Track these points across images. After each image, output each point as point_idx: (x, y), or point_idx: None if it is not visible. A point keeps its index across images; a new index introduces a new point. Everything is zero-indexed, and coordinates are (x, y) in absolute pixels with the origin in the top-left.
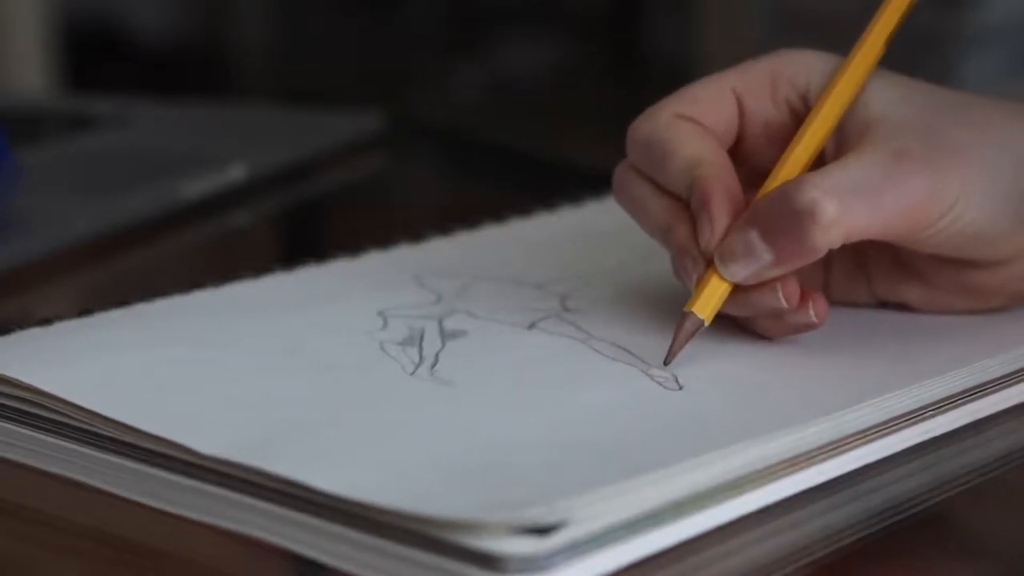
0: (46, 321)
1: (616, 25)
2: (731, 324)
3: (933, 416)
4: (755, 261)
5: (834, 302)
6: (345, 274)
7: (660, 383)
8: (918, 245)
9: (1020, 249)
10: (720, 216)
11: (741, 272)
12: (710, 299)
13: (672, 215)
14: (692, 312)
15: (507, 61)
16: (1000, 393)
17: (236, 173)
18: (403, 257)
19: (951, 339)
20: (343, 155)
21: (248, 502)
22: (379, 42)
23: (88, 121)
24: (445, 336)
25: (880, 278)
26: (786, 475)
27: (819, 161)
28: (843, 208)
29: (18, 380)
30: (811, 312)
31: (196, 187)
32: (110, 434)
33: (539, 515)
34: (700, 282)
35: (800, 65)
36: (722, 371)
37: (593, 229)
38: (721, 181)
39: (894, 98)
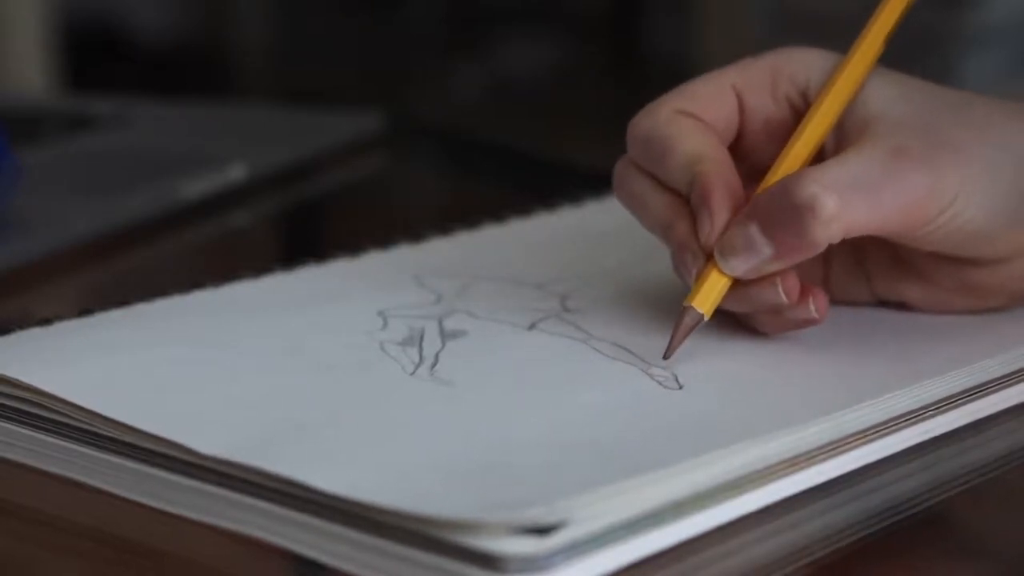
0: (46, 321)
1: (616, 25)
2: (731, 323)
3: (933, 416)
4: (755, 255)
5: (834, 301)
6: (345, 274)
7: (660, 383)
8: (917, 242)
9: (1019, 248)
10: (720, 211)
11: (741, 266)
12: (710, 293)
13: (672, 211)
14: (692, 306)
15: (507, 61)
16: (1000, 393)
17: (236, 173)
18: (403, 257)
19: (951, 339)
20: (343, 155)
21: (248, 502)
22: (379, 42)
23: (88, 121)
24: (445, 336)
25: (880, 276)
26: (786, 475)
27: (818, 158)
28: (843, 203)
29: (18, 380)
30: (811, 307)
31: (196, 187)
32: (110, 434)
33: (539, 515)
34: (700, 277)
35: (800, 62)
36: (722, 370)
37: (593, 229)
38: (721, 177)
39: (893, 96)
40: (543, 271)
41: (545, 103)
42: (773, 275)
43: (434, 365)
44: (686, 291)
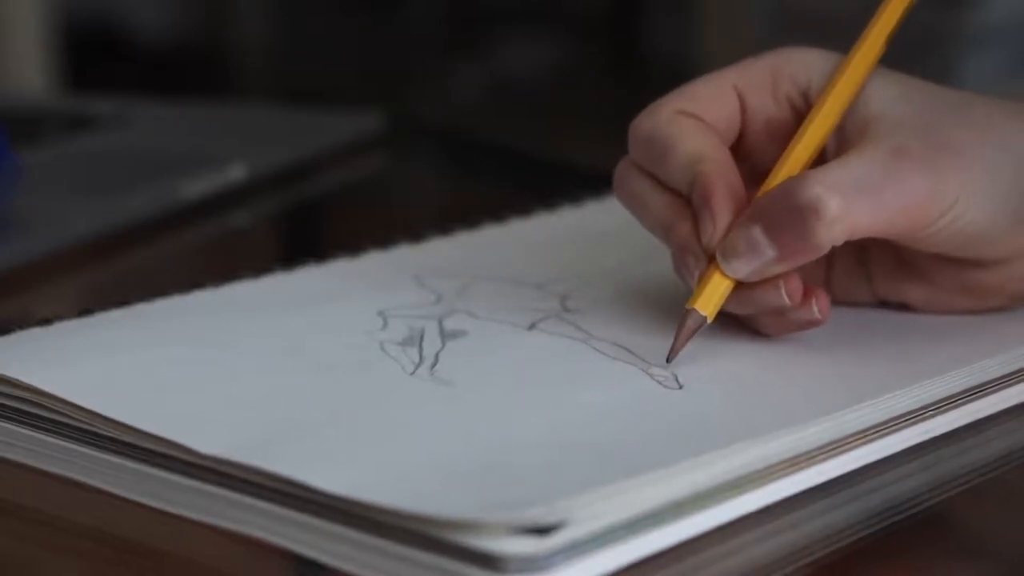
0: (46, 321)
1: (616, 25)
2: (731, 323)
3: (933, 416)
4: (758, 257)
5: (835, 301)
6: (345, 274)
7: (660, 382)
8: (919, 244)
9: (1020, 249)
10: (722, 212)
11: (744, 268)
12: (712, 296)
13: (673, 212)
14: (694, 309)
15: (507, 61)
16: (1000, 393)
17: (236, 173)
18: (403, 257)
19: (951, 339)
20: (343, 155)
21: (248, 502)
22: (379, 42)
23: (88, 121)
24: (445, 336)
25: (881, 277)
26: (786, 475)
27: (820, 158)
28: (846, 205)
29: (18, 380)
30: (814, 308)
31: (196, 187)
32: (110, 434)
33: (539, 515)
34: (702, 279)
35: (801, 62)
36: (722, 370)
37: (593, 229)
38: (723, 177)
39: (894, 96)
40: (543, 271)
41: (545, 103)
42: (776, 277)
43: (434, 365)
44: (686, 291)
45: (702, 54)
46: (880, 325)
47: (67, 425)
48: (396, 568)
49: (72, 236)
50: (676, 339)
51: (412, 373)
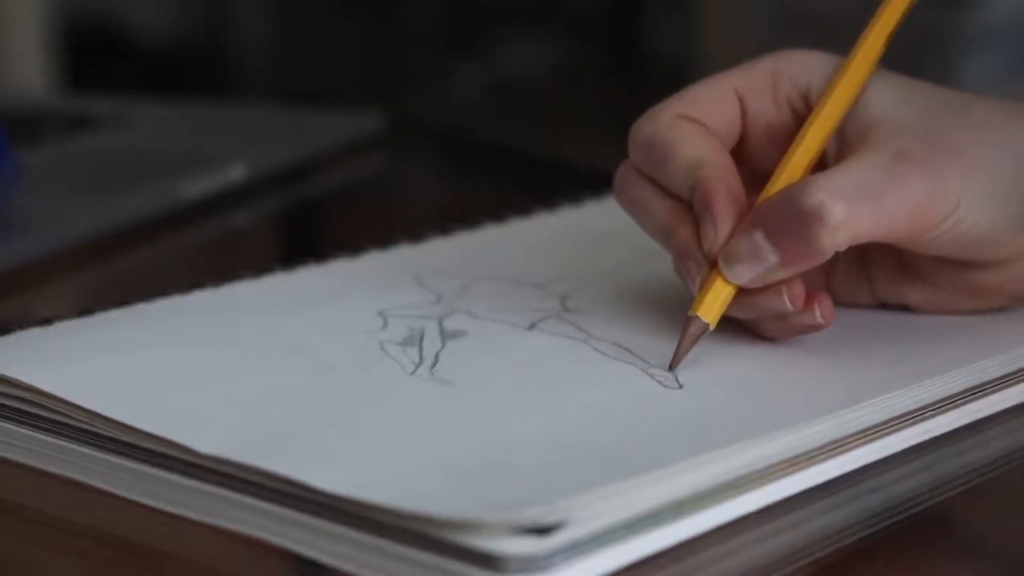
0: (46, 321)
1: (616, 25)
2: (732, 324)
3: (933, 416)
4: (760, 263)
5: (835, 303)
6: (345, 274)
7: (660, 382)
8: (922, 248)
9: (1021, 250)
10: (724, 218)
11: (746, 275)
12: (714, 302)
13: (674, 216)
14: (697, 316)
15: (507, 61)
16: (1000, 393)
17: (236, 173)
18: (403, 257)
19: (951, 339)
20: (343, 155)
21: (248, 502)
22: (379, 42)
23: (88, 121)
24: (445, 336)
25: (882, 279)
26: (786, 475)
27: (820, 162)
28: (849, 211)
29: (18, 380)
30: (817, 313)
31: (196, 187)
32: (110, 434)
33: (539, 515)
34: (704, 285)
35: (801, 65)
36: (722, 371)
37: (593, 229)
38: (724, 182)
39: (894, 98)
40: (543, 271)
41: (545, 103)
42: (778, 283)
43: (434, 365)
44: (686, 291)
45: (702, 54)
46: (880, 326)
47: (67, 425)
48: (396, 568)
49: (72, 236)
50: (679, 346)
51: (412, 373)
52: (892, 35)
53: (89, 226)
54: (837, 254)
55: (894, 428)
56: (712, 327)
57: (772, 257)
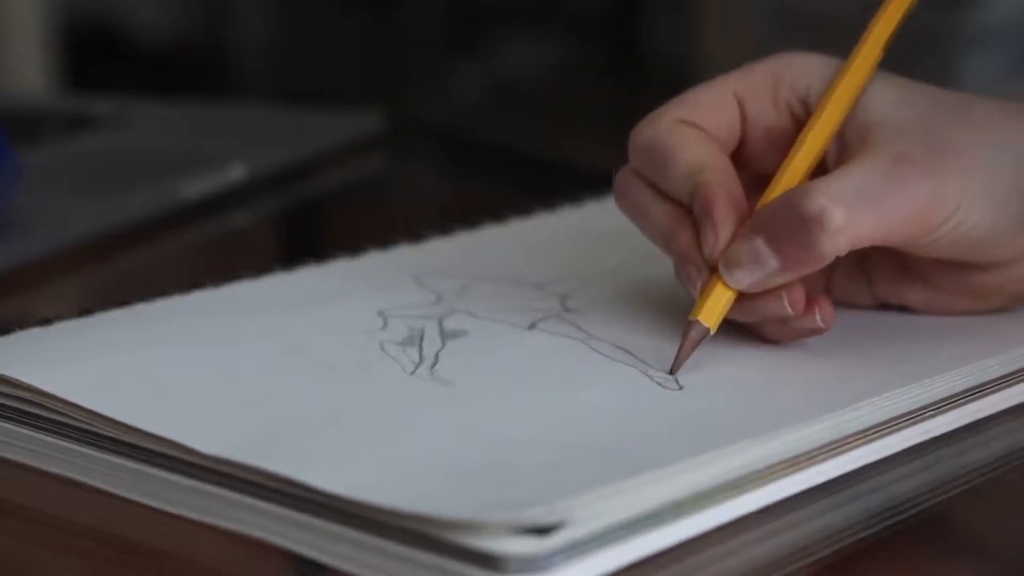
0: (46, 321)
1: (616, 25)
2: (732, 326)
3: (933, 416)
4: (761, 268)
5: (835, 304)
6: (345, 274)
7: (660, 383)
8: (922, 250)
9: (1021, 251)
10: (724, 223)
11: (746, 279)
12: (715, 307)
13: (674, 221)
14: (697, 321)
15: (507, 61)
16: (1000, 393)
17: (236, 173)
18: (403, 257)
19: (951, 339)
20: (343, 155)
21: (248, 502)
22: (379, 42)
23: (88, 121)
24: (445, 336)
25: (882, 281)
26: (786, 475)
27: (820, 165)
28: (850, 215)
29: (18, 380)
30: (817, 317)
31: (196, 187)
32: (110, 434)
33: (539, 515)
34: (704, 290)
35: (800, 68)
36: (722, 371)
37: (593, 229)
38: (724, 187)
39: (894, 100)
40: (543, 271)
41: (545, 103)
42: (778, 287)
43: (434, 365)
44: (686, 293)
45: (702, 54)
46: (880, 326)
47: (67, 425)
48: (396, 568)
49: (72, 236)
50: (680, 351)
51: (412, 373)
52: (891, 38)
53: (89, 226)
54: (837, 257)
55: (894, 428)
56: (713, 332)
57: (772, 262)
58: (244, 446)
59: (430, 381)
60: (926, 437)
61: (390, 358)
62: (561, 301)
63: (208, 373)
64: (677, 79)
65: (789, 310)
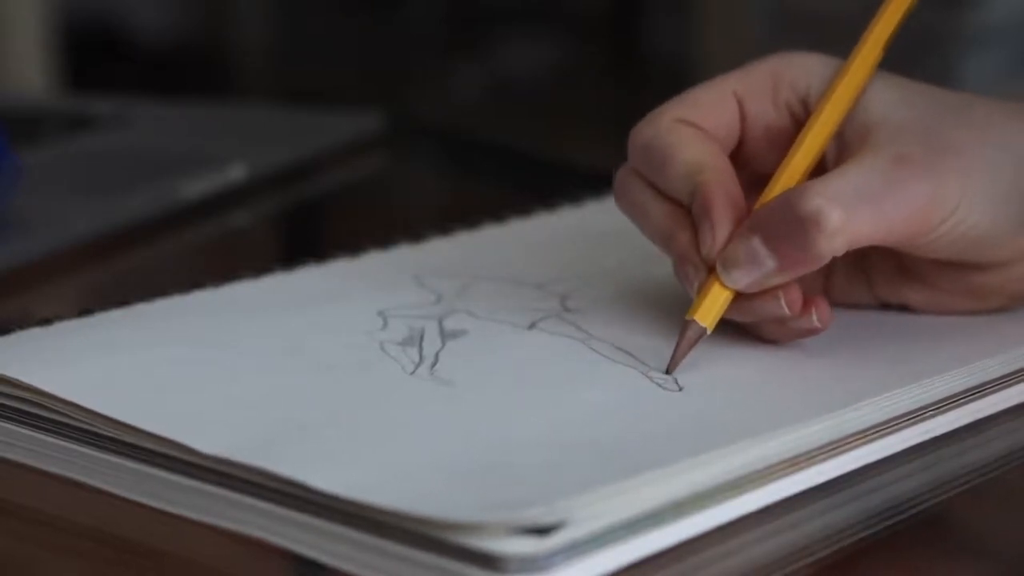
0: (46, 321)
1: (616, 25)
2: (731, 326)
3: (933, 416)
4: (758, 269)
5: (835, 303)
6: (345, 274)
7: (660, 384)
8: (920, 250)
9: (1020, 251)
10: (722, 223)
11: (743, 280)
12: (712, 307)
13: (673, 221)
14: (694, 320)
15: (507, 61)
16: (1000, 393)
17: (236, 173)
18: (403, 257)
19: (951, 339)
20: (343, 155)
21: (248, 502)
22: (379, 42)
23: (88, 121)
24: (445, 336)
25: (881, 281)
26: (786, 475)
27: (820, 165)
28: (847, 216)
29: (18, 380)
30: (814, 318)
31: (196, 187)
32: (110, 434)
33: (539, 515)
34: (702, 289)
35: (800, 68)
36: (722, 372)
37: (593, 229)
38: (723, 187)
39: (894, 100)
40: (543, 271)
41: (545, 103)
42: (776, 287)
43: (434, 365)
44: (686, 293)
45: (702, 54)
46: (880, 326)
47: (67, 425)
48: (396, 568)
49: (72, 236)
50: (676, 350)
51: (412, 373)
52: (891, 38)
53: (89, 226)
54: (836, 257)
55: (894, 428)
56: (709, 331)
57: (770, 262)
58: (244, 446)
59: (430, 381)
60: (926, 437)
61: (390, 358)
62: (561, 301)
63: (208, 373)
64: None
65: (786, 310)
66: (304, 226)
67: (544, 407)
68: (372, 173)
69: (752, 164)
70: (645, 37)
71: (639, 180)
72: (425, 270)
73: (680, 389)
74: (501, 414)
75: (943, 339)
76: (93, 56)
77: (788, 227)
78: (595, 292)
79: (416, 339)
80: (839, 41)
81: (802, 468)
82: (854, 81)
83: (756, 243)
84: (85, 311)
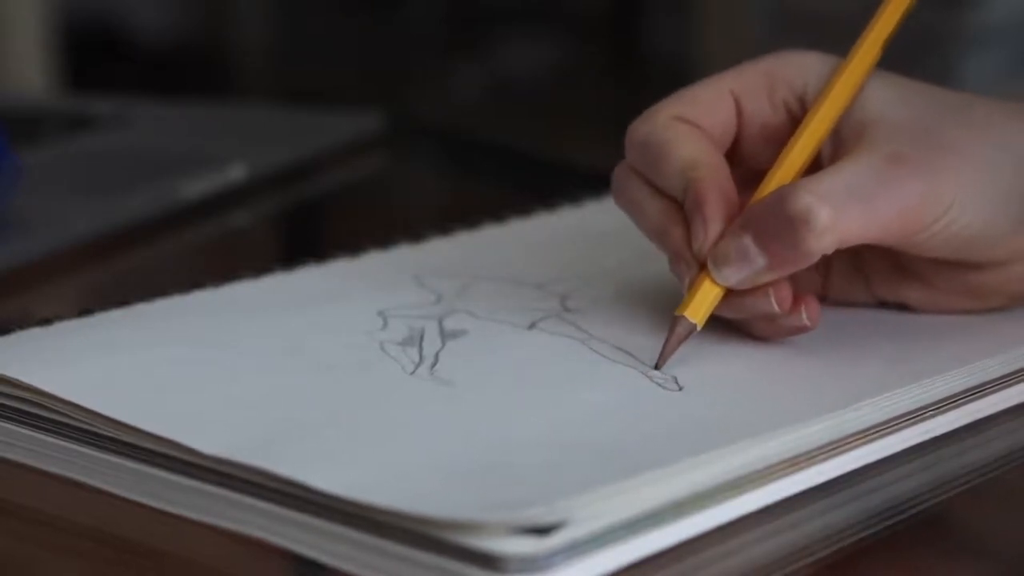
0: (46, 321)
1: (616, 25)
2: (730, 325)
3: (933, 416)
4: (748, 266)
5: (833, 302)
6: (345, 274)
7: (660, 384)
8: (914, 249)
9: (1019, 250)
10: (714, 220)
11: (734, 276)
12: (702, 303)
13: (668, 217)
14: (684, 316)
15: (507, 61)
16: (1000, 393)
17: (236, 173)
18: (403, 257)
19: (951, 339)
20: (343, 155)
21: (248, 502)
22: (379, 42)
23: (88, 121)
24: (445, 336)
25: (879, 279)
26: (786, 475)
27: (815, 163)
28: (837, 214)
29: (18, 380)
30: (803, 316)
31: (196, 187)
32: (110, 434)
33: (539, 515)
34: (692, 286)
35: (797, 67)
36: (722, 372)
37: (593, 229)
38: (716, 184)
39: (891, 99)
40: (543, 271)
41: (545, 103)
42: (766, 285)
43: (434, 365)
44: (684, 294)
45: (702, 54)
46: (879, 325)
47: (67, 425)
48: (396, 568)
49: (72, 236)
50: (665, 345)
51: (412, 373)
52: (890, 38)
53: (89, 226)
54: (832, 255)
55: (894, 428)
56: (699, 327)
57: (759, 260)
58: (244, 446)
59: (430, 381)
60: (926, 437)
61: (390, 358)
62: (561, 301)
63: (208, 373)
64: (677, 79)
65: (776, 308)
66: (304, 226)
67: (544, 407)
68: (372, 173)
69: (748, 162)
70: (645, 37)
71: (636, 177)
72: (425, 270)
73: (680, 389)
74: (501, 414)
75: (943, 339)
76: (93, 56)
77: (778, 225)
78: (595, 292)
79: (416, 339)
80: (839, 41)
81: (802, 468)
82: (851, 79)
83: (747, 240)
84: (85, 311)
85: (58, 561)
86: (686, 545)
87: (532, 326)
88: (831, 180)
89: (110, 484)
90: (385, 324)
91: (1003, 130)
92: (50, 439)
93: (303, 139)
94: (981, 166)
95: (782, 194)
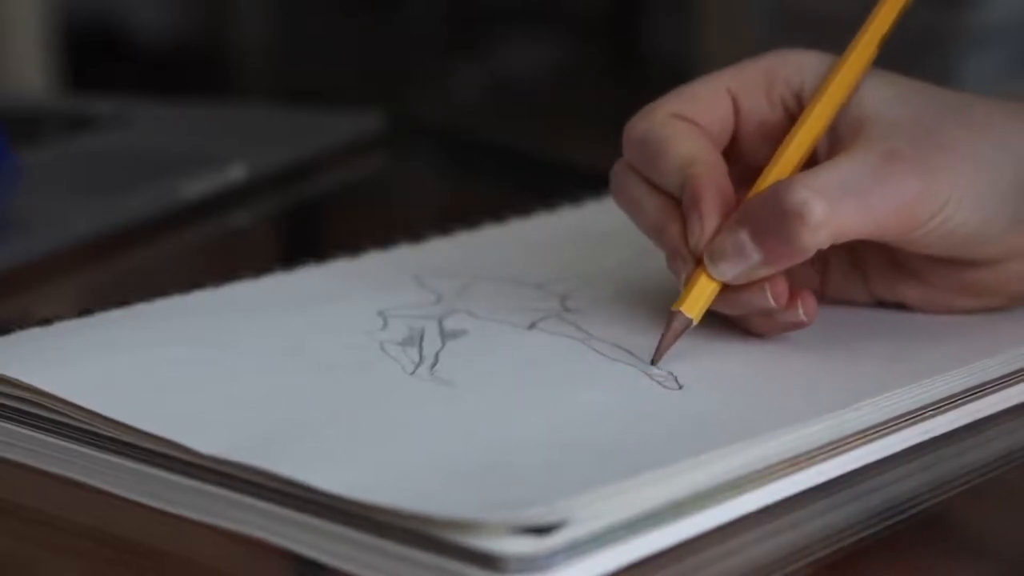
0: (46, 321)
1: (616, 25)
2: (729, 324)
3: (933, 416)
4: (744, 261)
5: (832, 301)
6: (345, 274)
7: (660, 383)
8: (911, 245)
9: (1017, 249)
10: (710, 215)
11: (730, 272)
12: (699, 298)
13: (665, 214)
14: (680, 311)
15: (507, 61)
16: (1000, 393)
17: (236, 173)
18: (403, 257)
19: (950, 339)
20: (343, 155)
21: (248, 502)
22: (379, 42)
23: (88, 121)
24: (445, 336)
25: (877, 278)
26: (786, 475)
27: (812, 160)
28: (832, 209)
29: (18, 380)
30: (800, 311)
31: (196, 187)
32: (110, 434)
33: (539, 515)
34: (689, 281)
35: (795, 64)
36: (722, 371)
37: (593, 229)
38: (713, 180)
39: (888, 97)
40: (543, 271)
41: (545, 103)
42: (762, 280)
43: (434, 365)
44: (681, 290)
45: (702, 54)
46: (878, 325)
47: (67, 425)
48: (396, 568)
49: (72, 236)
50: (661, 341)
51: (412, 373)
52: (887, 36)
53: (89, 226)
54: (830, 252)
55: (894, 428)
56: (695, 323)
57: (755, 255)
58: (244, 446)
59: (430, 381)
60: (926, 437)
61: (390, 358)
62: (561, 301)
63: (208, 373)
64: (677, 79)
65: (772, 303)
66: (304, 226)
67: (544, 407)
68: (372, 173)
69: (746, 159)
70: (645, 37)
71: (634, 174)
72: (425, 270)
73: (680, 388)
74: (501, 414)
75: (942, 338)
76: (93, 56)
77: (773, 220)
78: (595, 292)
79: (416, 339)
80: (839, 41)
81: (802, 468)
82: (848, 77)
83: (742, 235)
84: (85, 311)
85: (58, 561)
86: (686, 545)
87: (532, 326)
88: (827, 175)
89: (110, 484)
90: (385, 324)
91: (1003, 130)
92: (50, 439)
93: (303, 139)
94: (980, 165)
95: (778, 189)
